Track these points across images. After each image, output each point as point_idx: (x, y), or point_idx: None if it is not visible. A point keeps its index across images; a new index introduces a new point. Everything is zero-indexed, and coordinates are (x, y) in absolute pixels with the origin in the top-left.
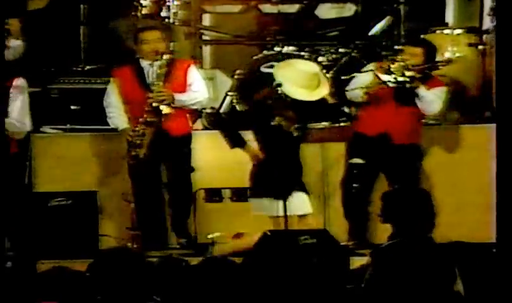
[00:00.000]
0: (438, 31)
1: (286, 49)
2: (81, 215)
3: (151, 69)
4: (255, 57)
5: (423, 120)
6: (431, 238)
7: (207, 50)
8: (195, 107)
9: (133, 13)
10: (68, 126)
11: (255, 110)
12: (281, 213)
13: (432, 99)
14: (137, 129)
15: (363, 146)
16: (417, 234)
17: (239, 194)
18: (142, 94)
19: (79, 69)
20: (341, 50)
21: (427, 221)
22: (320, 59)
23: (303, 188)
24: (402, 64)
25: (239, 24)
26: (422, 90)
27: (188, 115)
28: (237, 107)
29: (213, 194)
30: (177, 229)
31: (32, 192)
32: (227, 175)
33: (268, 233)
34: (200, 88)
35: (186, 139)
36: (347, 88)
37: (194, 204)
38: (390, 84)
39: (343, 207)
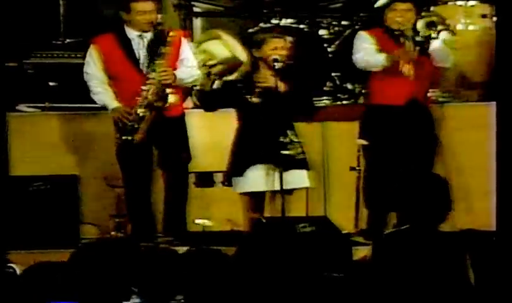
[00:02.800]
0: (450, 3)
1: (283, 21)
2: (61, 201)
3: (141, 41)
4: (250, 31)
5: (433, 98)
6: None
7: (197, 23)
8: (191, 85)
9: None
10: (46, 104)
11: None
12: (276, 187)
13: (447, 50)
14: (135, 111)
15: (388, 121)
16: (426, 224)
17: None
18: (130, 69)
19: (59, 42)
20: (343, 22)
21: (440, 211)
22: (321, 32)
23: (296, 162)
24: (427, 19)
25: None
26: (436, 42)
27: (181, 93)
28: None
29: (204, 178)
30: (169, 222)
31: (8, 176)
32: (220, 157)
33: (263, 220)
34: (193, 63)
35: (180, 121)
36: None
37: None
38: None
39: (363, 194)
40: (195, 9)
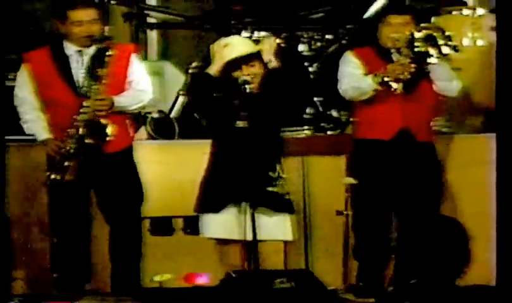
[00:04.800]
0: (454, 12)
1: (256, 35)
2: None
3: (80, 58)
4: None
5: (435, 128)
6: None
7: (152, 37)
8: (136, 111)
9: None
10: None
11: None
12: (248, 237)
13: (452, 74)
14: (65, 145)
15: (376, 157)
16: (440, 278)
17: (195, 225)
18: (66, 92)
19: None
20: (327, 36)
21: (456, 264)
22: (301, 47)
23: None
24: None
25: (194, 2)
26: (439, 65)
27: (128, 121)
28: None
29: (162, 225)
30: (119, 279)
31: None
32: (180, 199)
33: (233, 275)
34: (144, 85)
35: (126, 156)
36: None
37: None
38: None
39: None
40: (149, 20)
